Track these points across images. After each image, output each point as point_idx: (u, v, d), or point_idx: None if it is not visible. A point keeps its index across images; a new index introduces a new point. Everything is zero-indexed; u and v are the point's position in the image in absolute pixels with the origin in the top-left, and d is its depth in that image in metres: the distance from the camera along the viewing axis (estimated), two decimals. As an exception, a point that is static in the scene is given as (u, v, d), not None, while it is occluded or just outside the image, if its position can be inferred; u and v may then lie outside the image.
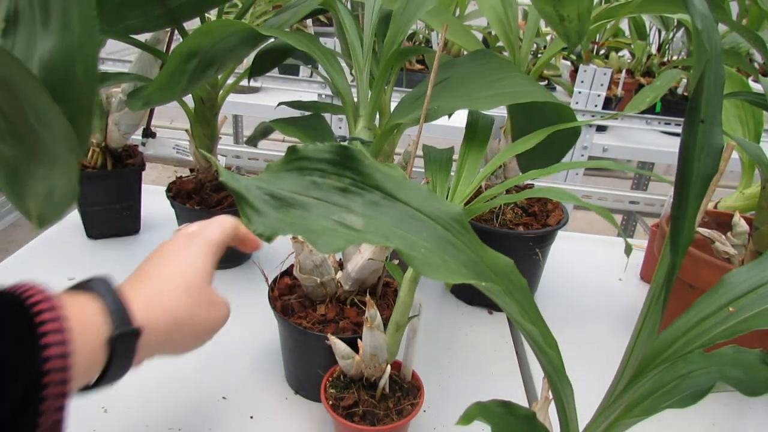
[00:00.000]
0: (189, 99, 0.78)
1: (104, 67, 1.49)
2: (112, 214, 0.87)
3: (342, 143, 0.33)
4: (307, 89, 1.56)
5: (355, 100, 0.63)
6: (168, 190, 0.81)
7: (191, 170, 0.84)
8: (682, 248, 0.26)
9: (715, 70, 0.27)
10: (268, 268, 0.63)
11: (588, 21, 0.53)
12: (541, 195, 0.51)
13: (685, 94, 1.77)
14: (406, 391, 0.54)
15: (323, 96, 1.54)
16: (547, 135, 0.56)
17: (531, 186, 0.84)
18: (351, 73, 0.71)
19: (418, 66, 2.02)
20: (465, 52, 0.88)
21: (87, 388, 0.36)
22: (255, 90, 1.64)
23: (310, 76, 1.62)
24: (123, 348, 0.35)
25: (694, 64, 0.27)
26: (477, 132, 0.62)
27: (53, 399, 0.30)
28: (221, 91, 0.78)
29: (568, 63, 2.10)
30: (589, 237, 1.05)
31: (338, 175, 0.33)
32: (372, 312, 0.50)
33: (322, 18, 2.19)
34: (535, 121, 0.62)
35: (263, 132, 0.72)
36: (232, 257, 0.84)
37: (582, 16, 0.53)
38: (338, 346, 0.53)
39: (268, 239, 0.30)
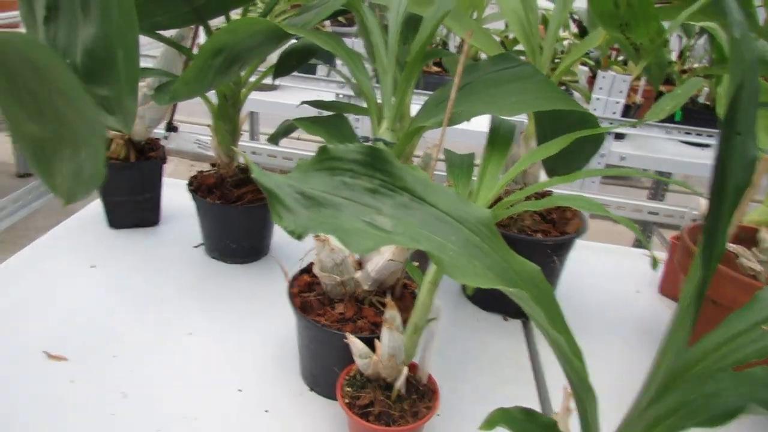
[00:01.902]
0: (212, 95, 0.79)
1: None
2: (134, 205, 0.88)
3: (372, 145, 0.33)
4: (325, 88, 1.57)
5: (379, 101, 0.63)
6: (189, 184, 0.82)
7: (212, 165, 0.85)
8: (714, 262, 0.26)
9: (751, 81, 0.27)
10: (287, 263, 0.64)
11: (662, 48, 0.52)
12: (565, 204, 0.51)
13: (707, 103, 1.75)
14: (421, 394, 0.55)
15: (341, 95, 1.55)
16: (571, 141, 0.56)
17: (550, 193, 0.84)
18: (372, 75, 0.71)
19: (435, 68, 2.02)
20: (482, 55, 0.88)
21: None
22: (273, 88, 1.65)
23: (327, 75, 1.62)
24: None
25: (730, 75, 0.27)
26: (499, 137, 0.62)
27: None
28: (244, 89, 0.79)
29: (586, 69, 2.09)
30: (607, 247, 1.04)
31: (369, 177, 0.34)
32: (392, 313, 0.51)
33: (340, 18, 2.20)
34: (559, 127, 0.62)
35: (286, 130, 0.72)
36: (251, 251, 0.85)
37: (655, 42, 0.52)
38: (356, 345, 0.54)
39: (299, 237, 0.30)
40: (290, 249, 0.89)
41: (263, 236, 0.86)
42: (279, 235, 0.88)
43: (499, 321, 0.81)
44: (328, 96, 1.56)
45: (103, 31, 0.38)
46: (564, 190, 1.12)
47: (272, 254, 0.88)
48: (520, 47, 1.53)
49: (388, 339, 0.51)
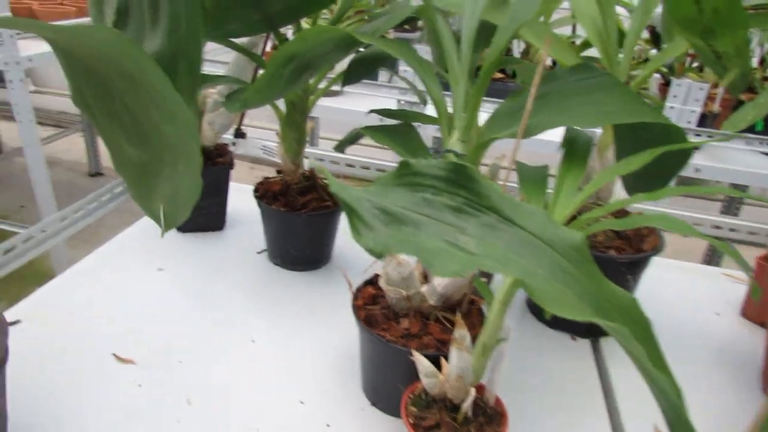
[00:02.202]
0: (280, 103, 0.79)
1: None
2: (201, 210, 0.89)
3: (457, 161, 0.32)
4: (387, 94, 1.56)
5: (450, 111, 0.61)
6: (255, 191, 0.82)
7: (278, 172, 0.85)
8: None
9: None
10: (349, 272, 0.63)
11: (748, 57, 0.48)
12: (650, 224, 0.48)
13: (791, 113, 1.64)
14: (489, 417, 0.52)
15: (402, 102, 1.54)
16: (655, 156, 0.52)
17: (626, 210, 0.80)
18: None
19: (498, 75, 1.98)
20: (547, 60, 0.84)
21: None
22: (336, 93, 1.65)
23: (389, 81, 1.62)
24: None
25: None
26: (576, 150, 0.59)
27: None
28: (312, 96, 0.79)
29: (657, 75, 2.00)
30: (682, 264, 0.98)
31: (452, 194, 0.32)
32: (462, 332, 0.49)
33: (405, 25, 2.19)
34: (640, 140, 0.58)
35: (353, 138, 0.72)
36: (313, 259, 0.85)
37: (741, 51, 0.49)
38: (423, 363, 0.52)
39: (379, 255, 0.29)
40: (352, 258, 0.89)
41: (325, 244, 0.85)
42: (340, 243, 0.88)
43: (567, 340, 0.77)
44: (390, 102, 1.55)
45: (170, 41, 0.39)
46: (641, 206, 1.06)
47: (334, 263, 0.87)
48: (587, 52, 1.48)
49: (457, 359, 0.50)
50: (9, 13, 1.63)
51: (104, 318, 0.70)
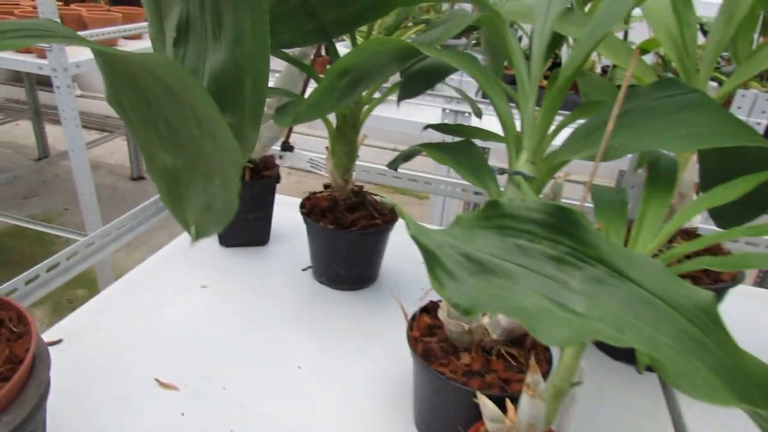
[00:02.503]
0: (330, 115, 0.76)
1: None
2: (246, 224, 0.87)
3: (562, 205, 0.27)
4: (431, 103, 1.52)
5: (518, 129, 0.57)
6: (302, 206, 0.79)
7: (326, 186, 0.82)
8: None
9: None
10: (397, 293, 0.59)
11: None
12: (757, 266, 0.42)
13: None
14: (562, 469, 0.48)
15: (447, 111, 1.50)
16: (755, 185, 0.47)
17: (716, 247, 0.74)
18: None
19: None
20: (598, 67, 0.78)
21: None
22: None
23: (432, 89, 1.57)
24: None
25: None
26: (660, 175, 0.54)
27: None
28: (364, 108, 0.75)
29: (715, 84, 1.91)
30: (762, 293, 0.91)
31: (552, 242, 0.28)
32: (535, 378, 0.44)
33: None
34: (731, 165, 0.53)
35: (408, 155, 0.68)
36: (360, 278, 0.81)
37: None
38: (488, 406, 0.48)
39: (467, 312, 0.25)
40: (400, 279, 0.85)
41: (374, 263, 0.81)
42: (387, 262, 0.84)
43: (631, 372, 0.71)
44: (434, 111, 1.51)
45: (233, 57, 0.36)
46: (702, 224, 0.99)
47: (381, 281, 0.83)
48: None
49: (529, 407, 0.45)
50: (58, 20, 1.65)
51: (146, 339, 0.68)
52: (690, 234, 0.79)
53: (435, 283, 0.25)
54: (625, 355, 0.73)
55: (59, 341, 0.65)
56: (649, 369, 0.72)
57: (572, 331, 0.24)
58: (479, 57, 0.70)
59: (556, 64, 1.99)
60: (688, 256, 0.67)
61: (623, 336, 0.25)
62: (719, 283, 0.68)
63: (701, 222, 0.94)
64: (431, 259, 0.26)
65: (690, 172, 0.70)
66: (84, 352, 0.65)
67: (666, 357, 0.24)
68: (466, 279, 0.26)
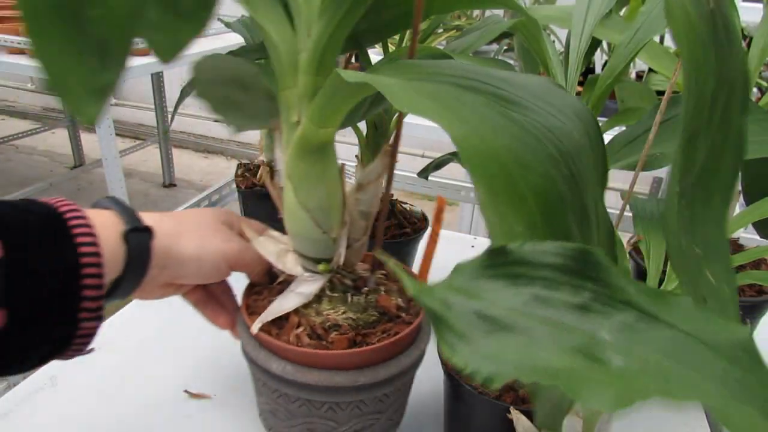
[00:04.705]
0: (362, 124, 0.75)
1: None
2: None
3: (580, 246, 0.25)
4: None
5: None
6: (331, 216, 0.78)
7: (355, 196, 0.81)
8: None
9: None
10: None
11: None
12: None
13: None
14: (602, 492, 0.46)
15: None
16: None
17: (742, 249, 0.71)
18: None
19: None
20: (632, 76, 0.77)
21: (115, 290, 0.40)
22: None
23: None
24: (137, 242, 0.40)
25: None
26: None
27: (91, 289, 0.35)
28: (395, 116, 0.74)
29: (755, 90, 1.85)
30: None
31: (574, 287, 0.24)
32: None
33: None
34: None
35: (439, 164, 0.67)
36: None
37: None
38: (522, 422, 0.46)
39: (489, 381, 0.21)
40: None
41: (404, 273, 0.80)
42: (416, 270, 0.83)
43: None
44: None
45: None
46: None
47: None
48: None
49: (566, 423, 0.43)
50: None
51: (176, 350, 0.68)
52: (732, 244, 0.76)
53: (445, 349, 0.22)
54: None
55: (92, 350, 0.65)
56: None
57: (618, 393, 0.21)
58: (512, 63, 0.68)
59: (589, 70, 1.96)
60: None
61: (668, 388, 0.22)
62: (763, 295, 0.65)
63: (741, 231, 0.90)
64: (438, 321, 0.23)
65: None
66: (113, 361, 0.65)
67: (718, 404, 0.22)
68: (482, 341, 0.23)
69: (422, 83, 0.32)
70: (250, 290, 0.52)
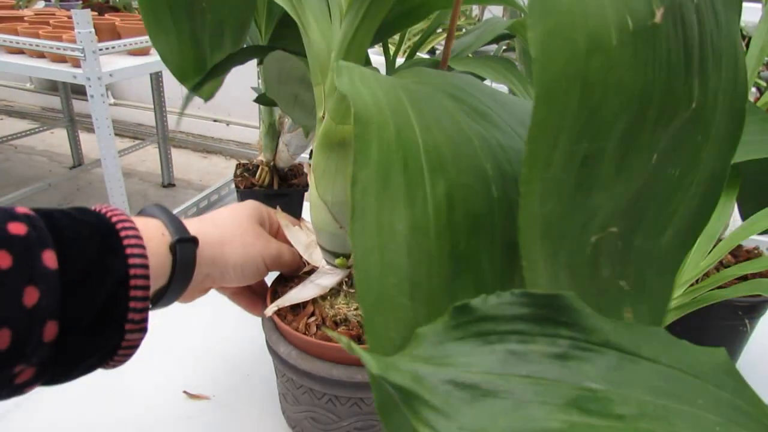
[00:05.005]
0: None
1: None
2: (274, 234, 0.86)
3: (546, 293, 0.24)
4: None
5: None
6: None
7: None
8: None
9: None
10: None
11: None
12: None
13: None
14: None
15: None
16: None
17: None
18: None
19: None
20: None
21: (159, 300, 0.42)
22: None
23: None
24: (184, 253, 0.41)
25: None
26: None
27: (137, 301, 0.35)
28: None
29: (753, 90, 1.85)
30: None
31: (549, 336, 0.23)
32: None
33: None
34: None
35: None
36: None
37: None
38: None
39: None
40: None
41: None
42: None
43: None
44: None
45: None
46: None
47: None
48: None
49: None
50: (92, 30, 1.68)
51: (176, 351, 0.68)
52: (736, 250, 0.76)
53: (424, 429, 0.19)
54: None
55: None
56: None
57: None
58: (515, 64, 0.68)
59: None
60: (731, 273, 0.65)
61: (675, 428, 0.22)
62: (762, 296, 0.65)
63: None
64: (412, 398, 0.20)
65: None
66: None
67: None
68: (464, 412, 0.21)
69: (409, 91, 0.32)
70: (281, 277, 0.54)
